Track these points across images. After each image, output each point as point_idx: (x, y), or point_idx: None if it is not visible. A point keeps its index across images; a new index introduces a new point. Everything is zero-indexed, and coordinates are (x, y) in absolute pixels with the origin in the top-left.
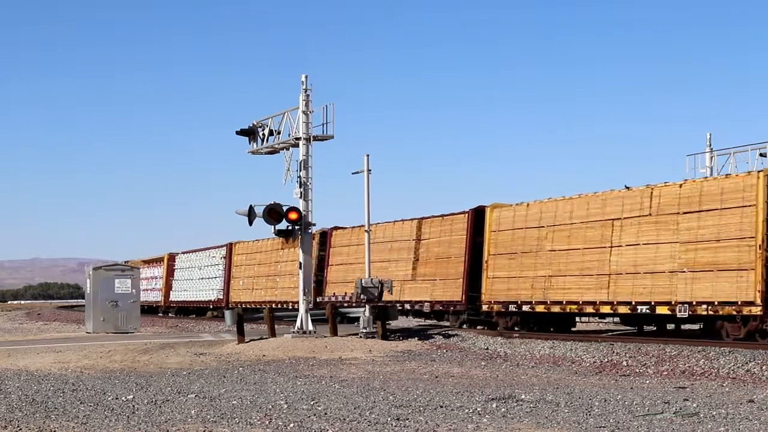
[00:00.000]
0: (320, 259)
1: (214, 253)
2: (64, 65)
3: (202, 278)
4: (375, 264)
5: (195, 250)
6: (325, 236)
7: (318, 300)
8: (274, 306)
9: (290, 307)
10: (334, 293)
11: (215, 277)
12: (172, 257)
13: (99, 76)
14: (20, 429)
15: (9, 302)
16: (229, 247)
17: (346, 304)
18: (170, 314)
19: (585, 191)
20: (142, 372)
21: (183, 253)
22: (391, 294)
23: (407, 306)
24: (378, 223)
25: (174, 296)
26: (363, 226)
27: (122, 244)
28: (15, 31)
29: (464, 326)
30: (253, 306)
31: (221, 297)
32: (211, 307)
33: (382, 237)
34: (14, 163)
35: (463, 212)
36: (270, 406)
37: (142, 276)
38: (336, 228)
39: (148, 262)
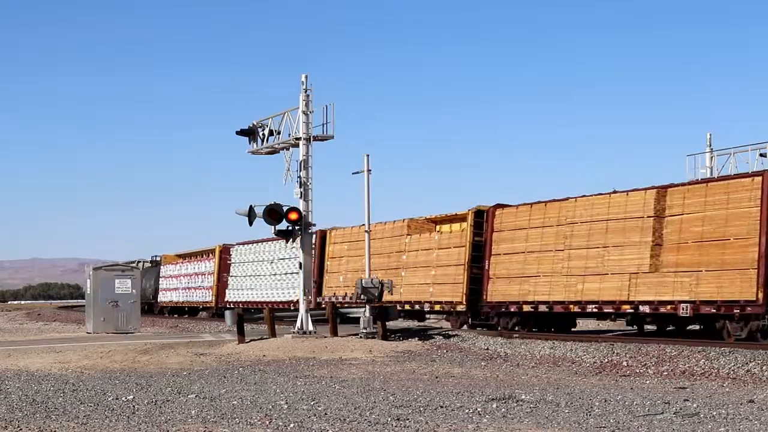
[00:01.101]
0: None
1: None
2: (64, 65)
3: (275, 274)
4: (577, 252)
5: (260, 241)
6: (325, 238)
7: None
8: (395, 304)
9: (428, 308)
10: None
11: (297, 273)
12: (226, 249)
13: (99, 76)
14: (20, 429)
15: (9, 302)
16: (321, 234)
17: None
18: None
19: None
20: (143, 372)
21: (241, 243)
22: (391, 294)
23: (643, 308)
24: (584, 196)
25: (232, 296)
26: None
27: (122, 244)
28: (15, 31)
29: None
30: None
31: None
32: (291, 308)
33: (589, 215)
34: (14, 163)
35: (748, 175)
36: (270, 407)
37: (180, 272)
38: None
39: (189, 256)
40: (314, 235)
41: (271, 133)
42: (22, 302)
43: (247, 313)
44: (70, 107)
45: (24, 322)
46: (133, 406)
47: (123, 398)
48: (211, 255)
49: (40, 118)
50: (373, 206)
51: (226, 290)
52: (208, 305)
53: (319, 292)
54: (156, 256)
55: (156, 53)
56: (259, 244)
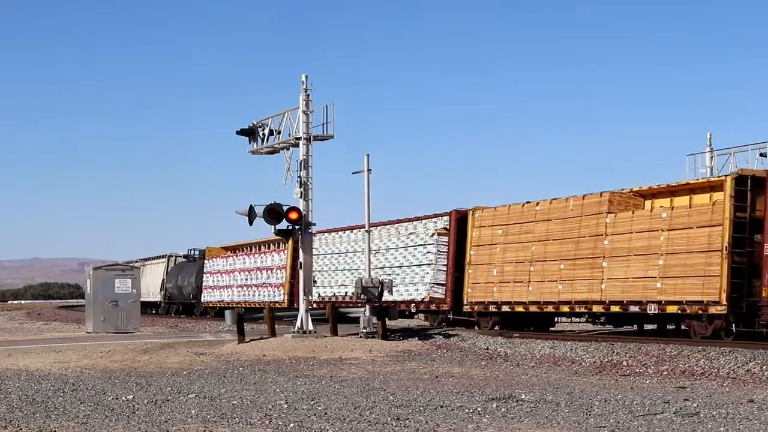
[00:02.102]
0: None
1: (416, 228)
2: (65, 64)
3: (384, 267)
4: None
5: (358, 227)
6: (464, 221)
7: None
8: (602, 310)
9: (655, 310)
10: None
11: (420, 265)
12: None
13: (99, 76)
14: (20, 429)
15: (9, 302)
16: (457, 217)
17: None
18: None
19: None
20: (142, 372)
21: (329, 231)
22: (391, 294)
23: None
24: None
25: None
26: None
27: (122, 244)
28: (15, 31)
29: None
30: (537, 311)
31: (441, 295)
32: (413, 310)
33: None
34: (14, 163)
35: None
36: (270, 406)
37: (233, 267)
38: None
39: (245, 248)
40: (449, 218)
41: (271, 132)
42: (22, 302)
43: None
44: (69, 107)
45: (24, 321)
46: (133, 406)
47: (123, 398)
48: (281, 245)
49: (40, 118)
50: (373, 206)
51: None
52: (278, 305)
53: (457, 291)
54: (193, 249)
55: (156, 53)
56: (359, 231)
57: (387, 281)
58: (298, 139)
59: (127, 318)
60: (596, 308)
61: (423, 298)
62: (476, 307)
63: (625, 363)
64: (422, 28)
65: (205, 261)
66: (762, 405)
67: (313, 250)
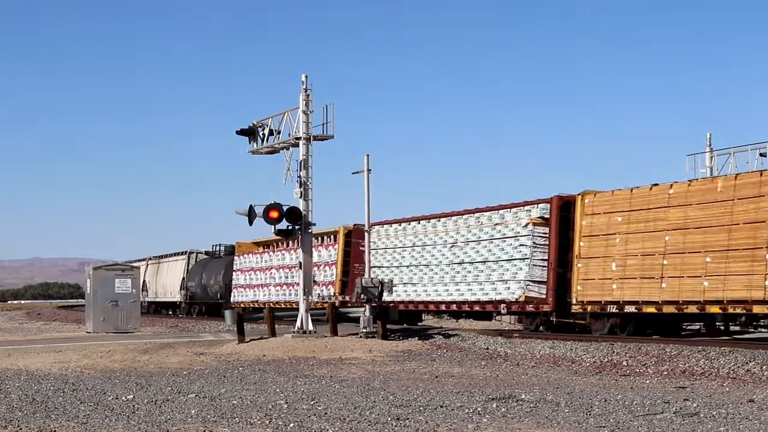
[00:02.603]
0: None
1: (503, 218)
2: (65, 65)
3: (462, 263)
4: None
5: (426, 218)
6: (568, 209)
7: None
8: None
9: None
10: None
11: (511, 259)
12: (359, 232)
13: (99, 76)
14: (20, 429)
15: (9, 302)
16: (559, 203)
17: None
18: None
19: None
20: (142, 372)
21: (389, 222)
22: (390, 294)
23: None
24: None
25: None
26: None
27: (122, 244)
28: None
29: None
30: (674, 311)
31: (540, 294)
32: (502, 312)
33: None
34: (14, 163)
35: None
36: (270, 406)
37: (269, 264)
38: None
39: (282, 243)
40: (548, 205)
41: (271, 132)
42: (22, 302)
43: (410, 314)
44: (70, 107)
45: (24, 321)
46: (133, 406)
47: (123, 398)
48: (329, 240)
49: (40, 118)
50: (373, 206)
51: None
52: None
53: (560, 289)
54: (218, 245)
55: (156, 54)
56: (427, 222)
57: (387, 281)
58: (298, 139)
59: (127, 318)
60: (758, 309)
61: (517, 298)
62: (589, 307)
63: (625, 363)
64: (422, 28)
65: (235, 258)
66: (762, 405)
67: (372, 244)
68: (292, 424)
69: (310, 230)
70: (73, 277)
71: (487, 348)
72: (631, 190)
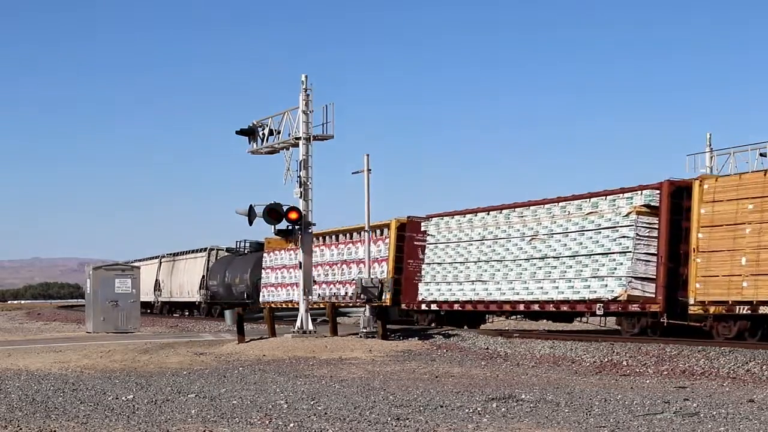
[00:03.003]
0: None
1: (597, 206)
2: (65, 64)
3: (545, 257)
4: None
5: (492, 209)
6: (680, 195)
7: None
8: None
9: None
10: None
11: (609, 253)
12: (414, 225)
13: (98, 75)
14: (20, 429)
15: (9, 302)
16: (670, 190)
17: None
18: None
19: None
20: (142, 372)
21: (449, 214)
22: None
23: None
24: None
25: (430, 292)
26: None
27: (122, 244)
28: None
29: None
30: None
31: (646, 292)
32: (597, 312)
33: None
34: (15, 163)
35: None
36: (270, 406)
37: (324, 259)
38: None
39: (322, 237)
40: (658, 191)
41: (271, 132)
42: (22, 302)
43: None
44: (70, 107)
45: (24, 321)
46: (133, 406)
47: (123, 398)
48: (380, 234)
49: (40, 118)
50: (372, 206)
51: (419, 285)
52: (380, 305)
53: (670, 287)
54: (242, 241)
55: (156, 53)
56: (499, 213)
57: (387, 281)
58: (298, 139)
59: (127, 318)
60: None
61: (616, 297)
62: (712, 308)
63: (625, 363)
64: (423, 28)
65: (264, 254)
66: (762, 405)
67: (430, 238)
68: (292, 424)
69: (310, 230)
70: (73, 277)
71: (487, 348)
72: (765, 173)
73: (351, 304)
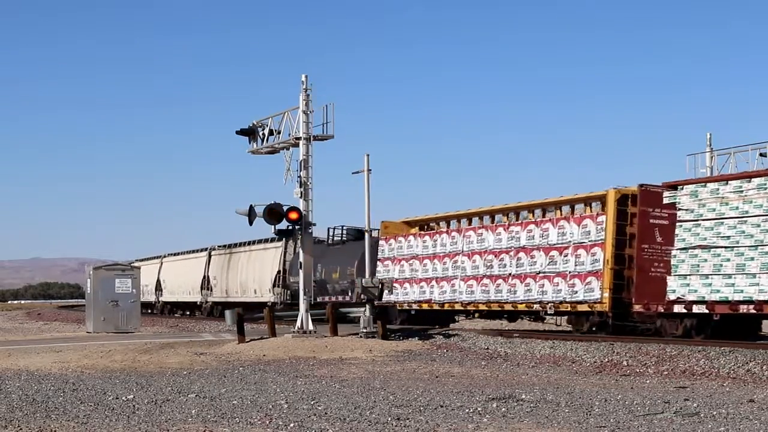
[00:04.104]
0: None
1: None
2: (64, 64)
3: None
4: None
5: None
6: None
7: None
8: None
9: None
10: None
11: None
12: (647, 196)
13: (98, 75)
14: (20, 429)
15: (9, 302)
16: None
17: None
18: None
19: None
20: (143, 372)
21: (713, 180)
22: (390, 294)
23: None
24: None
25: (694, 288)
26: None
27: (122, 244)
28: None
29: None
30: None
31: None
32: None
33: None
34: (15, 162)
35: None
36: (270, 406)
37: (460, 248)
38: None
39: (483, 217)
40: None
41: (271, 132)
42: (22, 302)
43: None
44: (69, 107)
45: (24, 321)
46: (133, 406)
47: (123, 398)
48: (585, 209)
49: (40, 118)
50: (373, 206)
51: (668, 278)
52: (591, 307)
53: None
54: (340, 227)
55: (156, 53)
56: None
57: (387, 281)
58: (298, 139)
59: (128, 318)
60: None
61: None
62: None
63: (625, 363)
64: (423, 28)
65: (381, 242)
66: (762, 405)
67: (684, 213)
68: (292, 424)
69: (310, 230)
70: (73, 277)
71: (487, 348)
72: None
73: (549, 309)
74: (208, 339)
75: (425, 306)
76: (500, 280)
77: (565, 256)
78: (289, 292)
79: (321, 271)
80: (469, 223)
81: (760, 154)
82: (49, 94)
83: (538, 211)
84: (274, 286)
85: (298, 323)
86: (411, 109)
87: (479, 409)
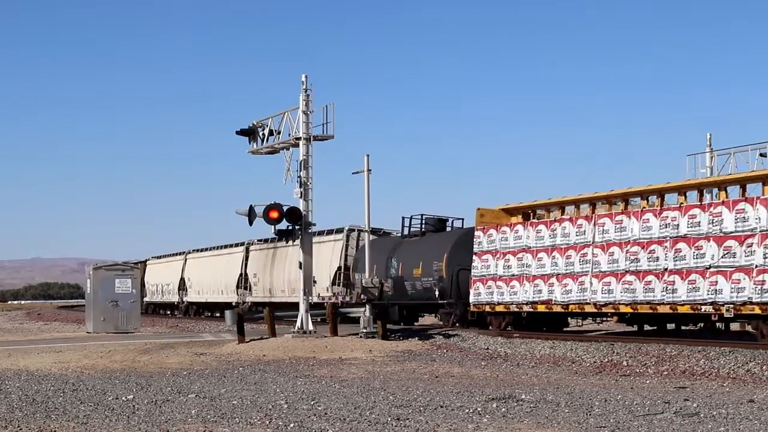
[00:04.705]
0: None
1: None
2: (64, 64)
3: None
4: None
5: None
6: None
7: None
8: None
9: None
10: None
11: None
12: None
13: (98, 75)
14: (20, 429)
15: (9, 302)
16: None
17: None
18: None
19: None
20: (143, 372)
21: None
22: (390, 292)
23: None
24: None
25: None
26: None
27: (122, 244)
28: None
29: None
30: None
31: None
32: None
33: None
34: (15, 163)
35: None
36: (270, 406)
37: (592, 238)
38: None
39: (647, 195)
40: None
41: (271, 133)
42: (23, 302)
43: None
44: (69, 107)
45: (24, 321)
46: (133, 406)
47: (123, 398)
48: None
49: (40, 118)
50: (372, 206)
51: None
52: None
53: None
54: (420, 216)
55: (156, 53)
56: None
57: (387, 281)
58: (298, 139)
59: (127, 318)
60: None
61: None
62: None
63: (625, 363)
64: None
65: (478, 233)
66: (762, 405)
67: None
68: (292, 425)
69: (310, 230)
70: (73, 277)
71: (487, 348)
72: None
73: (726, 312)
74: (208, 339)
75: (541, 308)
76: (651, 277)
77: (749, 246)
78: (353, 291)
79: (396, 267)
80: (592, 210)
81: (760, 154)
82: (49, 94)
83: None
84: (333, 283)
85: (298, 323)
86: (411, 110)
87: (479, 409)
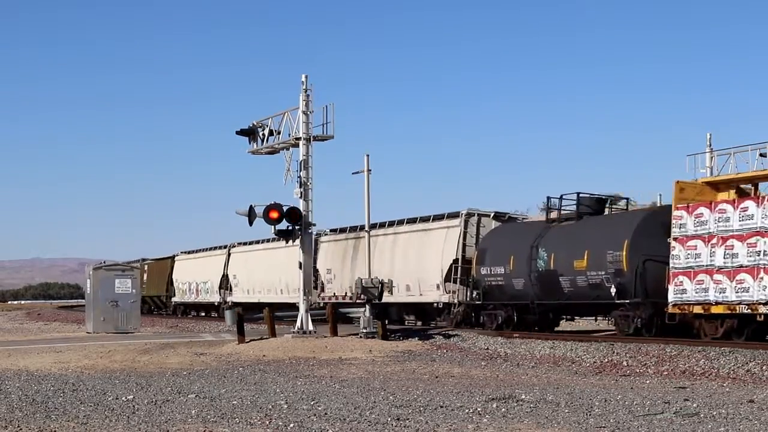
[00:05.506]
0: None
1: None
2: (64, 64)
3: None
4: None
5: None
6: None
7: None
8: None
9: None
10: None
11: None
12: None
13: (98, 76)
14: (20, 429)
15: (9, 302)
16: None
17: None
18: None
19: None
20: (143, 372)
21: None
22: (391, 293)
23: None
24: None
25: None
26: None
27: (122, 244)
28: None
29: None
30: None
31: None
32: None
33: None
34: (15, 163)
35: None
36: (270, 406)
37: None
38: None
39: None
40: None
41: (271, 133)
42: (23, 302)
43: None
44: (69, 107)
45: (24, 321)
46: (133, 406)
47: (123, 398)
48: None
49: (40, 118)
50: (372, 206)
51: None
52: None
53: None
54: (575, 195)
55: (156, 53)
56: None
57: (387, 281)
58: (298, 139)
59: (127, 318)
60: None
61: None
62: None
63: (625, 363)
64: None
65: (676, 213)
66: (762, 405)
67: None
68: (292, 425)
69: (310, 230)
70: (73, 277)
71: (487, 348)
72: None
73: None
74: (208, 339)
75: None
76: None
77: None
78: (469, 290)
79: (546, 259)
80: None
81: (760, 154)
82: (50, 94)
83: None
84: (446, 280)
85: (298, 323)
86: (411, 110)
87: (479, 409)
